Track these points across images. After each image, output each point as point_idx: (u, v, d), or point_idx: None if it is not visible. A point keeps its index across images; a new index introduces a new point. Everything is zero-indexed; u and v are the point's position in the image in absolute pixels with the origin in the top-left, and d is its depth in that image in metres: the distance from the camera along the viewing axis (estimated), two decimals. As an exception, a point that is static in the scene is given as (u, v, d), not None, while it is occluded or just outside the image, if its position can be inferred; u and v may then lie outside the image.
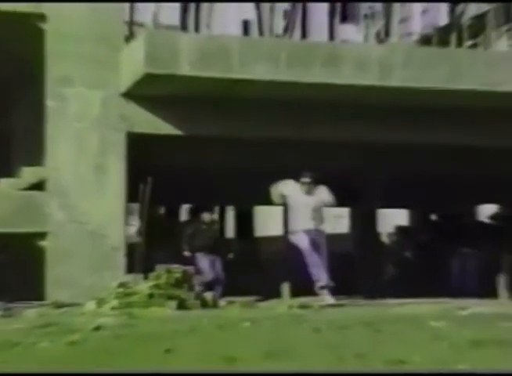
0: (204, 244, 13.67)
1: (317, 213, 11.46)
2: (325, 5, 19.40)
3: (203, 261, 13.55)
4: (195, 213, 15.00)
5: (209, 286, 12.99)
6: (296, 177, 11.48)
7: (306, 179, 11.40)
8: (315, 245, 11.37)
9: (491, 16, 16.10)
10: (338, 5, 19.37)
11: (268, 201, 12.02)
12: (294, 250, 11.50)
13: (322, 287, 11.24)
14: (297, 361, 5.98)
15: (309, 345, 6.73)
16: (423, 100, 12.35)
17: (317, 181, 11.42)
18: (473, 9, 19.33)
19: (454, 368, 4.10)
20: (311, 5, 20.79)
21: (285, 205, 11.98)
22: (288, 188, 11.51)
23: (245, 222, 23.09)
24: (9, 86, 14.12)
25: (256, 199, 20.57)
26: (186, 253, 13.60)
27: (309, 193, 11.42)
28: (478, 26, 18.14)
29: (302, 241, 11.41)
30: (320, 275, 11.25)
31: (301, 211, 11.47)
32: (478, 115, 12.74)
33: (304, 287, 11.62)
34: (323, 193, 11.48)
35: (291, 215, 11.79)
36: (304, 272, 11.43)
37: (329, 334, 7.43)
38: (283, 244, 16.15)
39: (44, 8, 12.12)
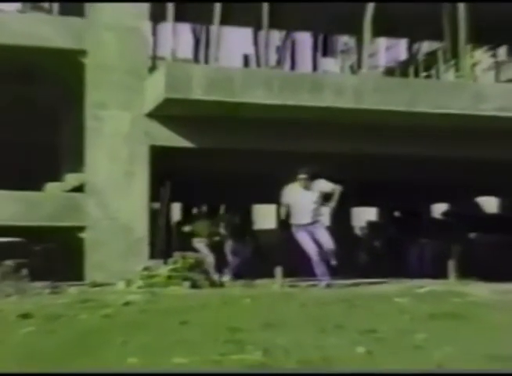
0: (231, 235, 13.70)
1: (316, 208, 10.66)
2: (309, 42, 19.36)
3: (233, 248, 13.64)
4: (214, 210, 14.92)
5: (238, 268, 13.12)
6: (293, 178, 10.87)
7: (302, 176, 10.65)
8: (315, 239, 10.60)
9: (440, 53, 16.09)
10: (320, 43, 19.32)
11: (264, 201, 11.89)
12: (292, 241, 10.90)
13: (326, 285, 10.48)
14: (288, 330, 5.94)
15: (297, 318, 6.69)
16: (389, 120, 12.32)
17: (313, 176, 10.70)
18: (426, 47, 19.40)
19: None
20: (299, 42, 20.77)
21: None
22: (290, 195, 10.69)
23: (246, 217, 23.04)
24: (58, 108, 14.10)
25: (254, 199, 20.58)
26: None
27: (307, 187, 10.64)
28: (431, 61, 18.16)
29: (308, 245, 10.62)
30: (324, 275, 10.57)
31: (301, 208, 10.64)
32: (433, 132, 12.71)
33: (294, 270, 11.53)
34: (322, 184, 10.71)
35: (293, 212, 10.77)
36: (296, 260, 11.19)
37: (314, 308, 7.38)
38: (278, 235, 16.11)
39: (85, 45, 12.13)
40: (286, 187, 10.80)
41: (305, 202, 10.66)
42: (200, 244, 13.12)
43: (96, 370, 4.09)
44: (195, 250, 12.43)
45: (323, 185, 10.75)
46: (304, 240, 10.67)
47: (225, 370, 3.89)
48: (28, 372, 4.27)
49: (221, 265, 13.12)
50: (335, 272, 10.71)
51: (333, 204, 10.78)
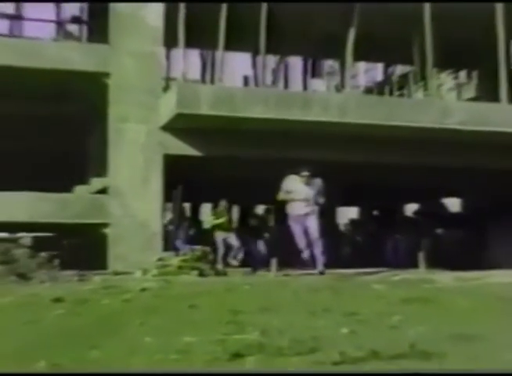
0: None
1: (312, 202, 10.40)
2: (300, 65, 19.35)
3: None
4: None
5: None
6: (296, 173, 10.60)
7: (305, 173, 10.40)
8: (306, 231, 10.38)
9: (411, 75, 16.12)
10: (309, 65, 19.31)
11: (262, 201, 11.85)
12: (288, 234, 10.64)
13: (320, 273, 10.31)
14: (283, 313, 5.90)
15: (290, 302, 6.64)
16: (369, 132, 12.32)
17: (313, 174, 10.47)
18: (399, 70, 19.43)
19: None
20: (291, 65, 20.75)
21: (285, 200, 10.63)
22: (292, 183, 10.47)
23: (246, 215, 22.96)
24: (86, 122, 14.09)
25: (254, 199, 20.53)
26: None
27: (308, 183, 10.41)
28: (403, 82, 18.20)
29: (300, 240, 10.39)
30: (308, 264, 10.46)
31: (300, 200, 10.37)
32: (406, 142, 12.71)
33: (287, 261, 11.49)
34: (318, 181, 10.46)
35: (291, 202, 10.47)
36: (289, 252, 11.10)
37: (304, 294, 7.33)
38: (274, 231, 16.05)
39: (108, 68, 12.12)
40: (288, 177, 10.53)
41: (306, 195, 10.41)
42: (219, 238, 13.14)
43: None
44: (202, 243, 12.37)
45: (319, 181, 10.54)
46: (297, 234, 10.50)
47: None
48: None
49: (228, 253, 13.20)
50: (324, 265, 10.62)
51: (322, 199, 10.71)
